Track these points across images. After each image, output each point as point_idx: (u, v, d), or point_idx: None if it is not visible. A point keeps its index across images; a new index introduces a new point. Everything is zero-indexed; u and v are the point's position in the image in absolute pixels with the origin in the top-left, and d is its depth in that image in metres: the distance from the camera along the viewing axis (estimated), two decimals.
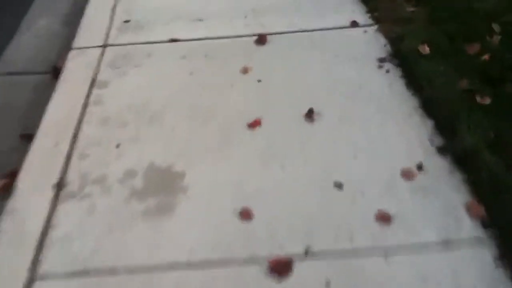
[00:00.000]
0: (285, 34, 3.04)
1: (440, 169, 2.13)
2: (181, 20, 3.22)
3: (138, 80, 2.68)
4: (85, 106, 2.49)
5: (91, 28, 3.17)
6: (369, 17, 3.18)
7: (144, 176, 2.10)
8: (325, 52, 2.86)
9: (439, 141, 2.25)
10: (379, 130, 2.33)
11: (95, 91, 2.60)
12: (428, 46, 2.80)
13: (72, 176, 2.10)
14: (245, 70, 2.73)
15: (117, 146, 2.26)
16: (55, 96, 2.57)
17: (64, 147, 2.23)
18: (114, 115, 2.44)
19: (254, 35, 3.03)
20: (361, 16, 3.18)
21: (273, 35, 3.01)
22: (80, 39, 3.06)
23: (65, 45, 3.07)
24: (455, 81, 2.53)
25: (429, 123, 2.35)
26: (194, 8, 3.33)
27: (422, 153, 2.20)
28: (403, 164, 2.15)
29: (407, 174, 2.11)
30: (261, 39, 2.97)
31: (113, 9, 3.36)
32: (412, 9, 3.21)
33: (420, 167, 2.14)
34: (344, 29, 3.08)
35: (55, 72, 2.88)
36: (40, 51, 3.20)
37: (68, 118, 2.41)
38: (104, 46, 2.98)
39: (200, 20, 3.21)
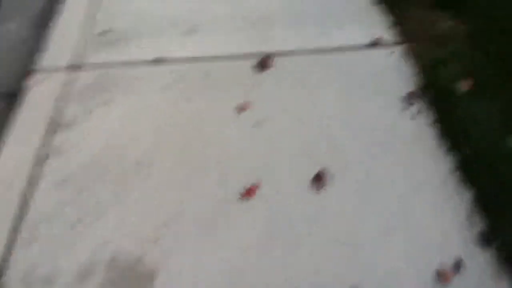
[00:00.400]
0: (294, 55, 2.51)
1: (483, 269, 1.65)
2: (171, 31, 2.69)
3: (111, 120, 2.20)
4: (41, 158, 2.02)
5: (62, 40, 2.66)
6: (395, 33, 2.62)
7: (104, 277, 1.64)
8: (341, 82, 2.35)
9: (482, 224, 1.77)
10: (404, 202, 1.86)
11: (57, 136, 2.12)
12: (470, 79, 2.25)
13: (13, 276, 1.65)
14: (243, 107, 2.24)
15: (76, 222, 1.80)
16: (6, 142, 2.09)
17: (7, 227, 1.78)
18: (76, 172, 1.97)
19: (256, 54, 2.50)
20: (385, 31, 2.63)
21: (281, 55, 2.49)
22: (47, 56, 2.56)
23: (31, 59, 2.56)
24: (505, 134, 2.01)
25: (469, 196, 1.85)
26: (187, 15, 2.80)
27: (460, 242, 1.73)
28: (436, 259, 1.69)
29: (442, 277, 1.64)
30: (264, 63, 2.45)
31: (90, 15, 2.82)
32: (449, 23, 2.63)
33: (457, 266, 1.67)
34: (364, 49, 2.53)
35: (14, 98, 2.39)
36: (1, 66, 2.70)
37: (18, 178, 1.95)
38: (75, 67, 2.48)
39: (193, 31, 2.68)
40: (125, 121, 2.17)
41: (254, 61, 2.47)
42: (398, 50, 2.51)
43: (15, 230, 1.76)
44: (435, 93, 2.23)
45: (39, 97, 2.29)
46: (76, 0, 2.95)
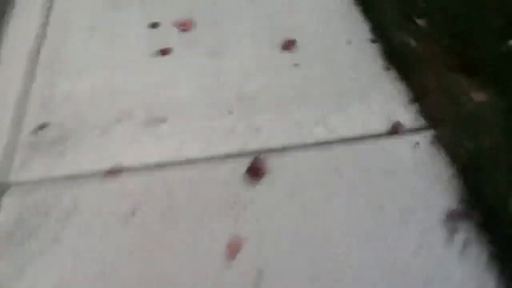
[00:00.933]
0: (291, 153, 1.93)
1: None
2: (130, 122, 2.08)
3: (51, 282, 1.57)
4: None
5: None
6: (417, 113, 2.07)
7: None
8: (357, 195, 1.79)
9: None
10: None
11: None
12: None
13: None
14: (234, 248, 1.65)
15: None
16: None
17: None
18: None
19: (244, 154, 1.92)
20: (404, 110, 2.09)
21: (274, 155, 1.90)
22: None
23: None
24: None
25: None
26: (149, 99, 2.17)
27: None
28: None
29: None
30: (256, 170, 1.87)
31: (23, 100, 2.17)
32: (479, 95, 2.09)
33: None
34: (379, 140, 1.97)
35: None
36: None
37: None
38: (3, 187, 1.84)
39: (158, 123, 2.06)
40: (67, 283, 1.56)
41: (241, 167, 1.88)
42: (423, 139, 1.96)
43: None
44: (485, 213, 1.69)
45: None
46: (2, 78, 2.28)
